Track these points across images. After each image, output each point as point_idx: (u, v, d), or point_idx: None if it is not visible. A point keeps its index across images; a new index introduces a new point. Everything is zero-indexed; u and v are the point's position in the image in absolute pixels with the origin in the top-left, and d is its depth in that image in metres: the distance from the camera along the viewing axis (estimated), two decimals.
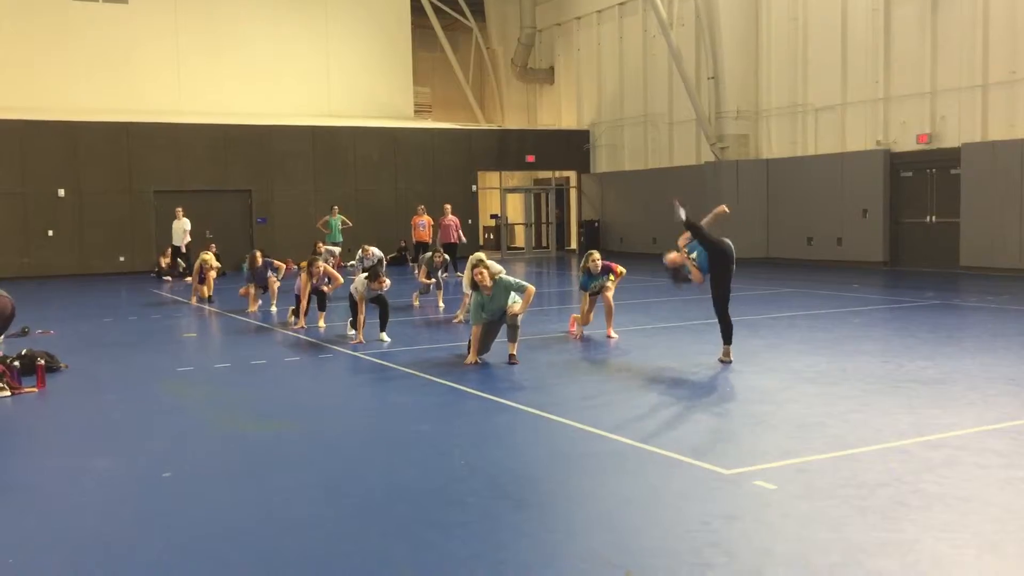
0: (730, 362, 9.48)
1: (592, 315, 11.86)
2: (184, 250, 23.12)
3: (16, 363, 9.11)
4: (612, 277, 11.68)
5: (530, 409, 7.63)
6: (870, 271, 21.11)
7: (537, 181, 33.41)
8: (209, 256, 17.87)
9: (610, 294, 11.64)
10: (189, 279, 21.96)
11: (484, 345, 10.01)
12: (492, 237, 33.19)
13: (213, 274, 17.59)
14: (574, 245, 31.59)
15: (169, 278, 22.38)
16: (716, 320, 9.63)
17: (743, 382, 8.58)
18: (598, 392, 8.41)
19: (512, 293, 9.88)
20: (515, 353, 9.86)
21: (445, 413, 7.77)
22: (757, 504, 5.13)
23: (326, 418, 7.79)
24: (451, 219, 21.88)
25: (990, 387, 8.07)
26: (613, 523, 4.95)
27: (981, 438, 6.40)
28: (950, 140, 20.58)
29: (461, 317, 13.21)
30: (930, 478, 5.51)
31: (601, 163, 31.21)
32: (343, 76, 29.89)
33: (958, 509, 4.98)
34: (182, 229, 23.15)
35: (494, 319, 9.95)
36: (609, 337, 11.43)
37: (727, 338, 9.60)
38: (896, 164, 21.79)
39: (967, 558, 4.33)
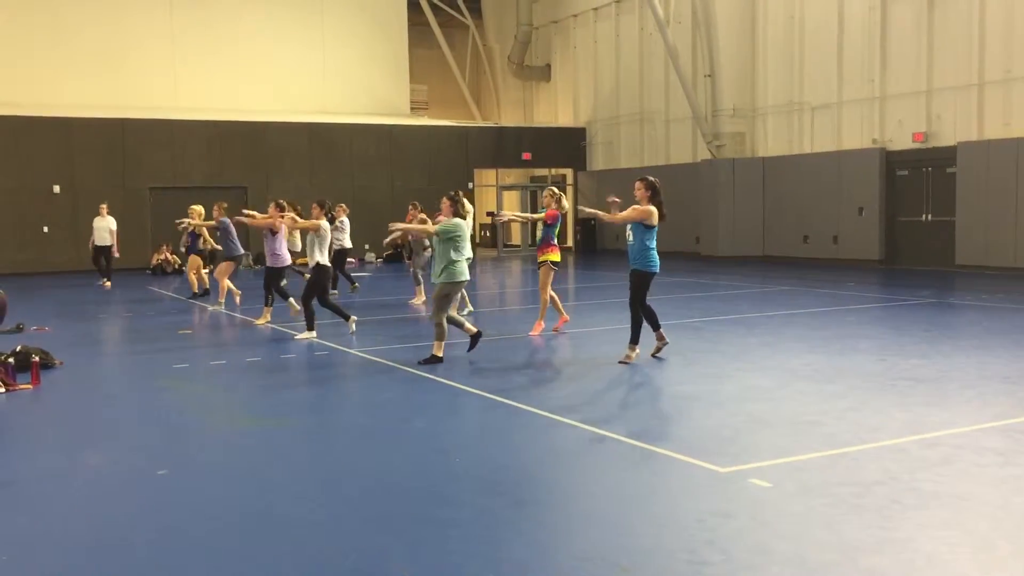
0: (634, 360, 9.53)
1: (546, 295, 11.73)
2: (115, 252, 20.48)
3: (11, 360, 9.08)
4: (541, 215, 11.68)
5: (525, 406, 7.62)
6: (866, 269, 21.13)
7: (533, 178, 33.39)
8: (198, 212, 16.68)
9: (544, 288, 11.58)
10: (107, 283, 20.16)
11: (451, 322, 10.00)
12: (488, 235, 33.16)
13: (202, 230, 16.59)
14: (570, 243, 31.61)
15: (106, 281, 20.16)
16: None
17: (739, 380, 8.58)
18: (593, 389, 8.40)
19: (443, 248, 9.76)
20: (437, 354, 9.69)
21: (440, 410, 7.77)
22: (752, 502, 5.13)
23: (321, 415, 7.79)
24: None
25: (986, 385, 8.07)
26: (609, 521, 4.94)
27: (977, 436, 6.41)
28: (946, 139, 20.61)
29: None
30: (925, 476, 5.51)
31: (597, 161, 31.21)
32: (339, 73, 29.85)
33: (953, 507, 4.99)
34: (107, 228, 20.39)
35: (437, 290, 9.88)
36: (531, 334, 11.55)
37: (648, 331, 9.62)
38: (892, 162, 21.82)
39: (962, 556, 4.33)
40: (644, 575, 4.19)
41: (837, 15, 22.88)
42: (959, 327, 12.13)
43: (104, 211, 20.64)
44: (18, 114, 24.13)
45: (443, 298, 9.78)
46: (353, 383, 9.37)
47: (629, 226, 9.46)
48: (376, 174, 28.22)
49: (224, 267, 15.39)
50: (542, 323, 11.74)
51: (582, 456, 6.20)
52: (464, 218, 10.05)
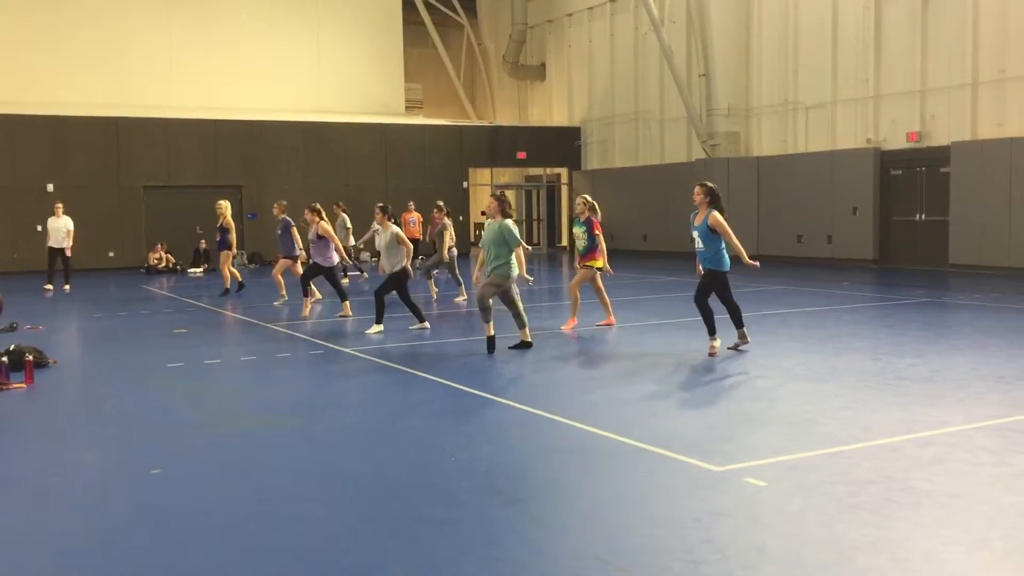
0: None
1: (577, 293, 12.15)
2: (68, 253, 19.27)
3: (4, 359, 9.05)
4: (582, 228, 11.83)
5: (521, 405, 7.63)
6: (860, 269, 21.17)
7: (528, 178, 33.38)
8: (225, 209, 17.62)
9: (600, 289, 12.01)
10: (50, 288, 18.88)
11: (483, 308, 10.15)
12: (483, 234, 33.17)
13: (231, 236, 17.37)
14: (565, 242, 31.62)
15: (50, 287, 19.01)
16: (697, 318, 10.02)
17: (734, 379, 8.59)
18: (589, 389, 8.41)
19: (498, 249, 10.07)
20: (527, 340, 10.30)
21: (436, 409, 7.76)
22: (748, 501, 5.13)
23: (317, 414, 7.77)
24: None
25: (979, 384, 8.10)
26: (604, 520, 4.95)
27: (971, 435, 6.43)
28: (940, 139, 20.66)
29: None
30: (920, 475, 5.53)
31: (592, 160, 31.22)
32: (334, 72, 29.82)
33: (948, 506, 5.00)
34: (64, 228, 19.26)
35: (489, 278, 10.11)
36: (606, 324, 11.98)
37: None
38: (886, 162, 21.86)
39: (957, 555, 4.34)
40: (640, 574, 4.19)
41: (831, 15, 22.92)
42: (953, 326, 12.16)
43: (59, 211, 19.57)
44: (12, 112, 24.05)
45: (507, 291, 10.19)
46: (348, 382, 9.36)
47: (697, 233, 9.91)
48: (371, 173, 28.19)
49: (281, 265, 15.87)
50: (612, 317, 12.12)
51: (578, 455, 6.20)
52: (512, 216, 10.30)
